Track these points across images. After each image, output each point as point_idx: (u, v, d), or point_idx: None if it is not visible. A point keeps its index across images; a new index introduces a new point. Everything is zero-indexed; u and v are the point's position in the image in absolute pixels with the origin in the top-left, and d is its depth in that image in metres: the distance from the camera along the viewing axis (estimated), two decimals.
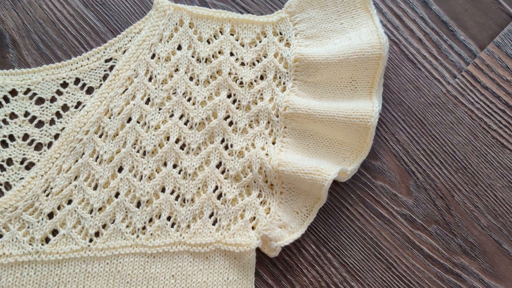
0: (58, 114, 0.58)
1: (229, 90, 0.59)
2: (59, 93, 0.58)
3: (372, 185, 0.58)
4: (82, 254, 0.53)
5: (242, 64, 0.60)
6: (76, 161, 0.55)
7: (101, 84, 0.58)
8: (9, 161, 0.56)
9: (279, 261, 0.56)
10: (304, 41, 0.60)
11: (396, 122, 0.60)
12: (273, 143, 0.58)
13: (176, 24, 0.60)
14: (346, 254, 0.56)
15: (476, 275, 0.56)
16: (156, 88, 0.58)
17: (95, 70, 0.59)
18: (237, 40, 0.61)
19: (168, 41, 0.60)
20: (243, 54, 0.60)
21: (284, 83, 0.59)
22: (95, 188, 0.55)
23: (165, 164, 0.56)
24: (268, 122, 0.58)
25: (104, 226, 0.54)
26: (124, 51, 0.59)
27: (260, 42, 0.61)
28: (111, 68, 0.59)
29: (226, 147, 0.57)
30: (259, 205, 0.55)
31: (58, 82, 0.58)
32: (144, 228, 0.54)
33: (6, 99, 0.57)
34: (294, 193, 0.56)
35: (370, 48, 0.56)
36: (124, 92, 0.58)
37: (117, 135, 0.57)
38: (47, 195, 0.54)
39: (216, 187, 0.56)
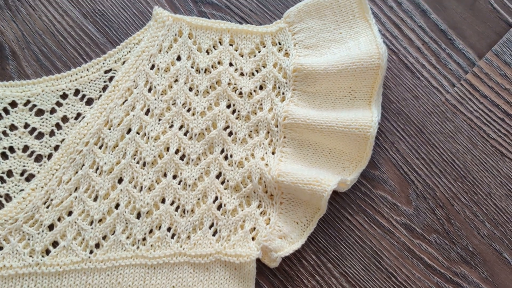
0: (58, 126, 0.58)
1: (228, 100, 0.59)
2: (59, 104, 0.58)
3: (372, 194, 0.58)
4: (83, 265, 0.53)
5: (242, 74, 0.60)
6: (76, 172, 0.55)
7: (100, 95, 0.58)
8: (9, 173, 0.56)
9: (279, 272, 0.56)
10: (303, 51, 0.60)
11: (395, 131, 0.60)
12: (273, 153, 0.58)
13: (175, 34, 0.60)
14: (346, 264, 0.56)
15: (476, 284, 0.56)
16: (155, 99, 0.58)
17: (94, 81, 0.59)
18: (236, 50, 0.61)
19: (167, 52, 0.60)
20: (242, 65, 0.60)
21: (283, 93, 0.59)
22: (95, 199, 0.55)
23: (165, 175, 0.56)
24: (268, 132, 0.58)
25: (104, 238, 0.54)
26: (124, 62, 0.59)
27: (259, 52, 0.61)
28: (111, 79, 0.59)
29: (225, 158, 0.58)
30: (259, 216, 0.55)
31: (58, 93, 0.58)
32: (144, 239, 0.54)
33: (6, 110, 0.57)
34: (294, 203, 0.56)
35: (369, 58, 0.56)
36: (123, 103, 0.58)
37: (117, 146, 0.57)
38: (47, 207, 0.54)
39: (216, 198, 0.56)
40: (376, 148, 0.59)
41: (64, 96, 0.58)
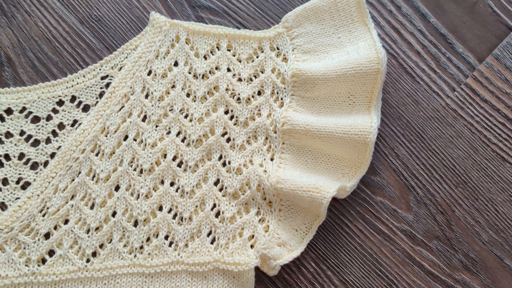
0: (54, 133, 0.57)
1: (226, 106, 0.58)
2: (55, 111, 0.58)
3: (372, 200, 0.57)
4: (79, 274, 0.52)
5: (240, 79, 0.59)
6: (73, 180, 0.55)
7: (97, 102, 0.58)
8: (5, 181, 0.55)
9: (278, 280, 0.55)
10: (301, 56, 0.59)
11: (395, 137, 0.59)
12: (272, 160, 0.57)
13: (173, 40, 0.60)
14: (346, 272, 0.56)
15: None
16: (152, 105, 0.58)
17: (91, 87, 0.58)
18: (234, 55, 0.60)
19: (164, 58, 0.59)
20: (240, 70, 0.60)
21: (281, 99, 0.59)
22: (91, 207, 0.54)
23: (162, 182, 0.56)
24: (266, 138, 0.58)
25: (101, 246, 0.54)
26: (120, 68, 0.59)
27: (257, 57, 0.60)
28: (107, 85, 0.59)
29: (224, 164, 0.57)
30: (257, 223, 0.55)
31: (54, 100, 0.58)
32: (141, 247, 0.54)
33: (1, 118, 0.57)
34: (293, 210, 0.55)
35: (368, 63, 0.55)
36: (120, 109, 0.57)
37: (114, 153, 0.56)
38: (44, 215, 0.54)
39: (214, 205, 0.56)
40: (375, 154, 0.58)
41: (60, 102, 0.58)
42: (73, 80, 0.59)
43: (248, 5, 0.63)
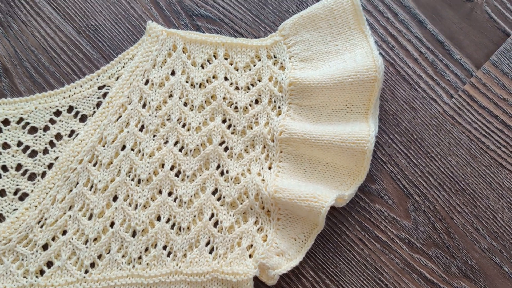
0: (51, 143, 0.57)
1: (224, 115, 0.58)
2: (52, 121, 0.58)
3: (370, 208, 0.57)
4: (78, 286, 0.52)
5: (237, 88, 0.59)
6: (70, 191, 0.55)
7: (94, 112, 0.58)
8: (2, 192, 0.55)
9: None
10: (298, 64, 0.59)
11: (393, 144, 0.59)
12: (269, 168, 0.57)
13: (170, 49, 0.60)
14: (345, 280, 0.55)
15: None
16: (150, 115, 0.57)
17: (88, 97, 0.58)
18: (231, 64, 0.60)
19: (161, 67, 0.59)
20: (237, 79, 0.59)
21: (279, 107, 0.59)
22: (89, 218, 0.54)
23: (160, 192, 0.56)
24: (264, 147, 0.58)
25: (99, 257, 0.53)
26: (117, 78, 0.59)
27: (254, 66, 0.60)
28: (105, 95, 0.58)
29: (221, 173, 0.57)
30: (256, 232, 0.55)
31: (51, 110, 0.58)
32: (140, 258, 0.54)
33: None
34: (291, 219, 0.55)
35: (365, 71, 0.55)
36: (118, 119, 0.57)
37: (111, 163, 0.56)
38: (41, 226, 0.53)
39: (212, 215, 0.55)
40: (373, 161, 0.58)
41: (58, 113, 0.58)
42: (70, 90, 0.58)
43: (245, 13, 0.63)
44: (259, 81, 0.60)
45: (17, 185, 0.55)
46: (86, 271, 0.53)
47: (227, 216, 0.55)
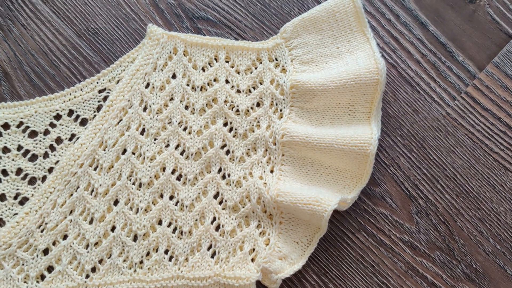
0: (51, 147, 0.57)
1: (225, 118, 0.58)
2: (52, 125, 0.57)
3: (373, 212, 0.57)
4: None
5: (238, 91, 0.59)
6: (71, 195, 0.54)
7: (95, 115, 0.57)
8: (2, 197, 0.55)
9: None
10: (300, 66, 0.59)
11: (396, 147, 0.59)
12: (271, 172, 0.57)
13: (170, 52, 0.59)
14: (348, 284, 0.55)
15: None
16: (151, 118, 0.57)
17: (88, 101, 0.58)
18: (232, 67, 0.60)
19: (162, 70, 0.59)
20: (238, 82, 0.59)
21: (281, 110, 0.58)
22: (90, 222, 0.54)
23: (161, 196, 0.55)
24: (266, 150, 0.57)
25: (100, 261, 0.53)
26: (118, 81, 0.58)
27: (255, 68, 0.60)
28: (105, 98, 0.58)
29: (223, 177, 0.56)
30: (258, 236, 0.54)
31: (51, 114, 0.57)
32: (141, 262, 0.53)
33: None
34: (294, 223, 0.54)
35: (367, 74, 0.55)
36: (118, 123, 0.57)
37: (112, 167, 0.56)
38: (42, 231, 0.53)
39: (214, 219, 0.55)
40: (376, 164, 0.58)
41: (58, 117, 0.57)
42: (70, 94, 0.58)
43: (246, 16, 0.62)
44: (261, 84, 0.59)
45: (17, 189, 0.55)
46: (87, 276, 0.52)
47: (229, 220, 0.55)
